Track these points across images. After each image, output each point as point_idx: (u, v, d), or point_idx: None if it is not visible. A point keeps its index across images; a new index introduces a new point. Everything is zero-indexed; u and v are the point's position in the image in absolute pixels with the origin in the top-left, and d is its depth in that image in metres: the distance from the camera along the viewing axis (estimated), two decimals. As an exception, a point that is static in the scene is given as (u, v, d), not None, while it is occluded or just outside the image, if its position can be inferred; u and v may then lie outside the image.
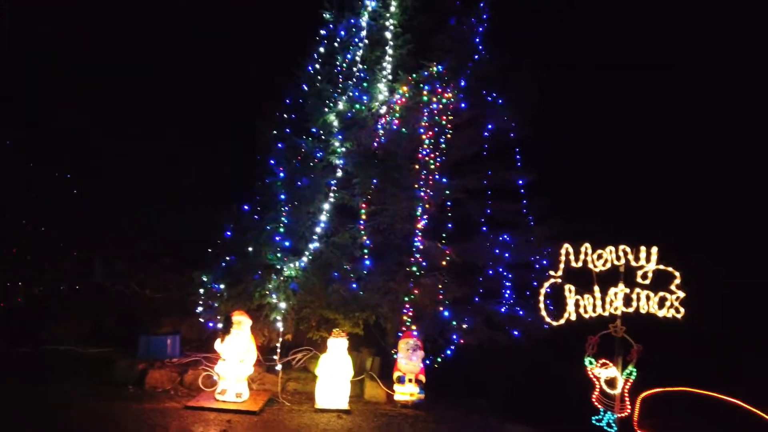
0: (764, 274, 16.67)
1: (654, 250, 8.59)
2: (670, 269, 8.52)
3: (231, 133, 15.87)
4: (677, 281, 8.46)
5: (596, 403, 8.84)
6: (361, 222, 12.70)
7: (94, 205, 15.82)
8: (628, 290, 8.73)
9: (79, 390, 10.87)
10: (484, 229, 13.93)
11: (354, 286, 12.14)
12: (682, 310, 8.45)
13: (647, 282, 8.66)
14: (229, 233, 13.10)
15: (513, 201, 14.25)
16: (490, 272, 13.61)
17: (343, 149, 12.90)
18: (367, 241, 12.56)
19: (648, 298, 8.64)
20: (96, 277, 14.94)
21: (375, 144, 12.99)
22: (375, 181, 12.68)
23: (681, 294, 8.43)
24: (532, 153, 14.60)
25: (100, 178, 16.41)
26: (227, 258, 12.98)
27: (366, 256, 12.42)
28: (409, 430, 10.10)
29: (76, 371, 11.90)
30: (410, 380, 11.53)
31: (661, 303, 8.56)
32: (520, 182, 14.35)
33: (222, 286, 12.48)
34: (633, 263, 8.71)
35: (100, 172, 16.54)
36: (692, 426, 9.89)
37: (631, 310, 8.67)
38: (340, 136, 12.98)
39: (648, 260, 8.64)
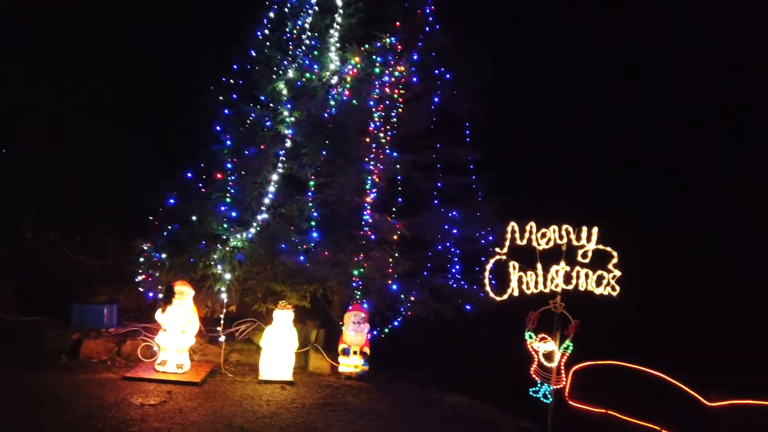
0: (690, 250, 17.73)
1: (595, 230, 8.91)
2: (608, 249, 8.87)
3: (175, 96, 15.19)
4: (614, 260, 8.82)
5: (534, 376, 9.21)
6: (310, 194, 12.52)
7: (25, 166, 14.91)
8: (568, 268, 9.04)
9: (7, 360, 10.36)
10: (435, 203, 14.07)
11: (302, 258, 12.03)
12: (617, 288, 8.84)
13: (587, 261, 8.99)
14: (172, 201, 12.64)
15: (462, 176, 14.42)
16: (439, 247, 13.80)
17: (292, 119, 12.61)
18: (315, 214, 12.42)
19: (587, 276, 8.98)
20: (25, 242, 14.14)
21: (325, 115, 12.76)
22: (324, 152, 12.49)
23: (617, 273, 8.81)
24: (481, 129, 14.76)
25: (29, 138, 15.46)
26: (170, 227, 12.55)
27: (314, 229, 12.29)
28: (352, 400, 10.22)
29: (2, 341, 11.31)
30: (355, 352, 11.64)
31: (599, 281, 8.92)
32: (469, 158, 14.51)
33: (164, 255, 12.09)
34: (575, 242, 9.00)
35: (30, 132, 15.57)
36: (618, 396, 10.48)
37: (570, 287, 9.00)
38: (289, 105, 12.66)
39: (589, 240, 8.95)
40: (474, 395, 11.06)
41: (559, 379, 9.05)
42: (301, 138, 12.42)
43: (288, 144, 12.45)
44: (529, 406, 9.64)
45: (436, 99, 14.07)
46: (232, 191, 12.30)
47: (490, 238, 13.91)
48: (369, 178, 12.35)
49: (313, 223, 12.32)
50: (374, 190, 12.42)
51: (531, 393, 9.21)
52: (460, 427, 9.48)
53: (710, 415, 9.30)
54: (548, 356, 9.01)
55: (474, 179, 14.50)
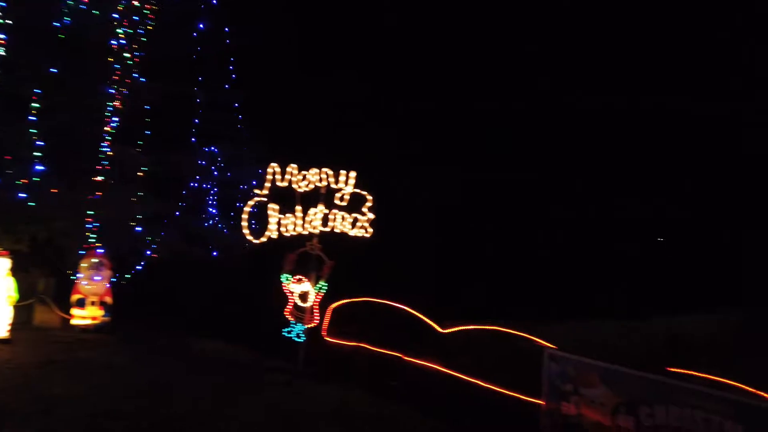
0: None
1: (352, 174, 9.13)
2: (363, 192, 9.20)
3: None
4: (368, 204, 9.19)
5: (289, 316, 9.26)
6: (33, 117, 10.34)
7: None
8: (327, 211, 9.15)
9: None
10: (193, 140, 13.00)
11: (21, 194, 10.01)
12: (370, 230, 9.27)
13: (344, 204, 9.21)
14: None
15: (225, 114, 13.59)
16: (195, 186, 12.90)
17: (8, 22, 10.11)
18: (40, 142, 10.35)
19: (343, 218, 9.22)
20: None
21: (58, 24, 10.53)
22: (54, 69, 10.37)
23: (371, 215, 9.22)
24: (252, 64, 14.02)
25: None
26: None
27: (38, 160, 10.26)
28: (85, 355, 9.07)
29: None
30: (93, 303, 10.31)
31: (354, 223, 9.24)
32: (235, 95, 13.71)
33: None
34: (333, 186, 9.12)
35: None
36: (370, 329, 11.26)
37: (327, 229, 9.15)
38: (3, 5, 10.11)
39: (346, 183, 9.15)
40: (228, 340, 10.78)
41: (312, 318, 9.29)
42: (19, 47, 10.07)
43: (2, 52, 9.99)
44: (283, 346, 9.73)
45: (202, 26, 12.80)
46: None
47: (253, 182, 13.48)
48: (110, 103, 10.69)
49: (37, 154, 10.27)
50: (116, 119, 10.81)
51: (284, 333, 9.29)
52: (209, 373, 9.15)
53: (442, 340, 10.60)
54: (303, 297, 9.15)
55: (239, 118, 13.78)
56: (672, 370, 8.21)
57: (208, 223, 12.89)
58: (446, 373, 9.59)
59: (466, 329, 10.13)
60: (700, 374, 8.35)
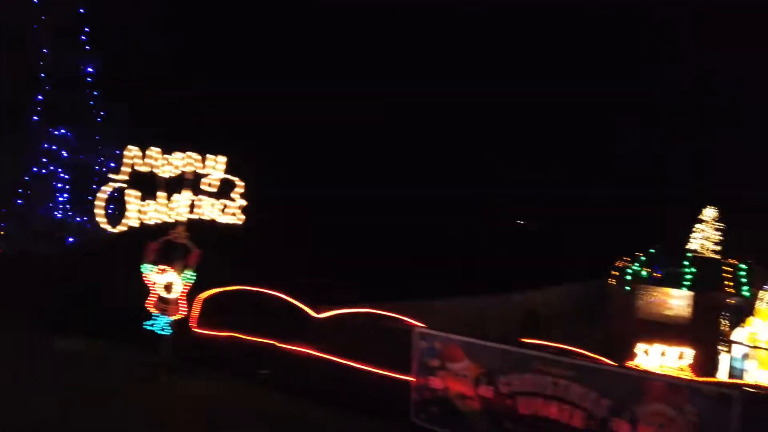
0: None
1: (221, 159, 8.78)
2: (234, 178, 8.89)
3: None
4: (239, 190, 8.91)
5: (152, 309, 8.74)
6: None
7: None
8: (194, 197, 8.73)
9: None
10: (35, 119, 11.67)
11: None
12: (241, 216, 9.00)
13: (213, 189, 8.84)
14: None
15: (76, 90, 12.38)
16: (40, 171, 11.63)
17: None
18: None
19: (212, 205, 8.86)
20: None
21: None
22: None
23: (242, 202, 8.95)
24: (108, 36, 12.87)
25: None
26: None
27: None
28: None
29: None
30: None
31: (223, 210, 8.92)
32: (89, 69, 12.51)
33: None
34: (200, 171, 8.71)
35: None
36: (243, 318, 10.96)
37: (194, 216, 8.74)
38: None
39: (215, 168, 8.79)
40: (89, 336, 9.96)
41: (179, 309, 8.86)
42: None
43: None
44: (148, 340, 9.20)
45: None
46: None
47: (112, 164, 12.44)
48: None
49: None
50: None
51: (147, 326, 8.77)
52: (76, 371, 8.54)
53: (317, 324, 10.62)
54: (168, 288, 8.68)
55: (94, 95, 12.63)
56: (526, 341, 8.97)
57: (58, 212, 11.70)
58: (321, 357, 9.68)
59: (340, 313, 10.26)
60: (551, 343, 9.22)
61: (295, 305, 10.42)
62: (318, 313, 10.30)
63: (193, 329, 10.25)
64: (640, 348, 9.88)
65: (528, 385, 7.92)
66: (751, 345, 9.74)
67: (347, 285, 13.28)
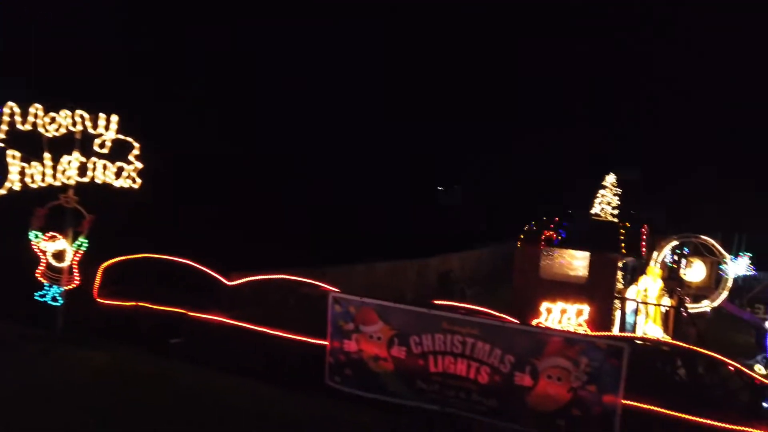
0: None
1: (114, 118, 8.12)
2: (129, 139, 8.28)
3: None
4: (136, 152, 8.32)
5: (41, 278, 8.09)
6: None
7: None
8: (84, 159, 8.04)
9: None
10: None
11: None
12: (138, 180, 8.44)
13: (105, 151, 8.18)
14: None
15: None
16: None
17: None
18: None
19: (105, 167, 8.22)
20: None
21: None
22: None
23: (138, 165, 8.38)
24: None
25: None
26: None
27: None
28: None
29: None
30: None
31: (119, 173, 8.31)
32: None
33: None
34: (91, 131, 8.01)
35: None
36: (150, 287, 10.42)
37: (86, 179, 8.08)
38: None
39: (107, 128, 8.12)
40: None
41: (72, 278, 8.25)
42: None
43: None
44: (40, 312, 8.55)
45: None
46: None
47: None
48: None
49: None
50: None
51: (37, 297, 8.13)
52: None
53: (230, 292, 10.28)
54: (59, 256, 8.04)
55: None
56: (438, 302, 9.17)
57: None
58: (234, 325, 9.45)
59: (253, 280, 10.00)
60: (461, 304, 9.48)
61: (205, 273, 10.05)
62: (230, 280, 10.00)
63: (97, 300, 9.70)
64: (543, 306, 10.40)
65: (438, 345, 8.16)
66: (641, 301, 10.51)
67: (259, 249, 12.99)
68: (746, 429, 6.88)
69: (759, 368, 12.20)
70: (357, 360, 8.64)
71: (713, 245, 12.64)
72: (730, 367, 7.18)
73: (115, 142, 8.16)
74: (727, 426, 6.96)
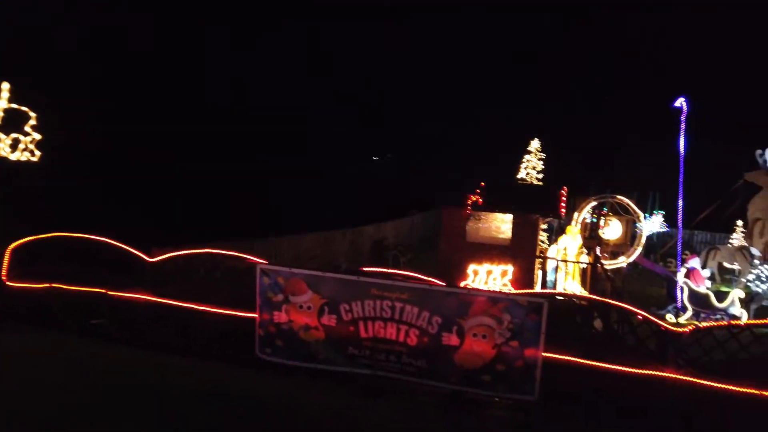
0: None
1: (5, 86, 7.49)
2: (24, 109, 7.68)
3: None
4: (32, 122, 7.74)
5: None
6: None
7: None
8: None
9: None
10: None
11: None
12: (37, 152, 7.88)
13: (-1, 122, 7.58)
14: None
15: None
16: None
17: None
18: None
19: None
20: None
21: None
22: None
23: (36, 136, 7.80)
24: None
25: None
26: None
27: None
28: None
29: None
30: None
31: (14, 145, 7.72)
32: None
33: None
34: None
35: None
36: (65, 267, 9.81)
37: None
38: None
39: (-1, 97, 7.50)
40: None
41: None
42: None
43: None
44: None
45: None
46: None
47: None
48: None
49: None
50: None
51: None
52: None
53: (152, 269, 9.80)
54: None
55: None
56: (367, 269, 9.22)
57: None
58: (159, 303, 9.14)
59: (176, 255, 9.65)
60: (390, 270, 9.58)
61: (125, 250, 9.61)
62: (152, 256, 9.62)
63: (6, 283, 9.13)
64: (470, 269, 10.69)
65: (368, 311, 8.24)
66: (561, 259, 11.01)
67: (180, 224, 12.55)
68: (653, 372, 7.39)
69: (670, 317, 13.18)
70: (287, 330, 8.62)
71: (628, 205, 13.34)
72: (639, 317, 7.65)
73: (6, 111, 7.52)
74: (636, 371, 7.45)
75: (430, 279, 8.75)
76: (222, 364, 8.50)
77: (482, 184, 11.62)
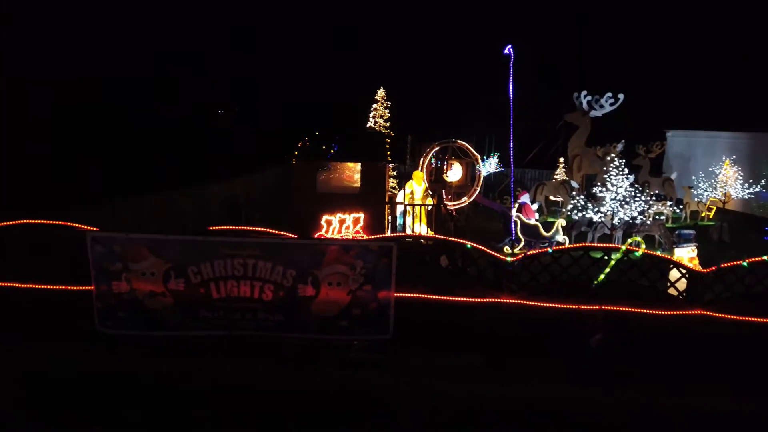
0: None
1: None
2: None
3: None
4: None
5: None
6: None
7: None
8: None
9: None
10: None
11: None
12: None
13: None
14: None
15: None
16: None
17: None
18: None
19: None
20: None
21: None
22: None
23: None
24: None
25: None
26: None
27: None
28: None
29: None
30: None
31: None
32: None
33: None
34: None
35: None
36: None
37: None
38: None
39: None
40: None
41: None
42: None
43: None
44: None
45: None
46: None
47: None
48: None
49: None
50: None
51: None
52: None
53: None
54: None
55: None
56: (217, 228, 8.78)
57: None
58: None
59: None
60: (241, 227, 9.23)
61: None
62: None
63: None
64: (324, 219, 10.70)
65: (219, 271, 7.90)
66: (408, 203, 11.47)
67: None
68: (491, 300, 8.13)
69: (507, 249, 14.50)
70: (130, 300, 8.03)
71: (468, 148, 14.17)
72: (477, 250, 8.29)
73: None
74: (477, 300, 8.14)
75: (282, 233, 8.60)
76: (58, 343, 7.75)
77: (316, 133, 11.49)
